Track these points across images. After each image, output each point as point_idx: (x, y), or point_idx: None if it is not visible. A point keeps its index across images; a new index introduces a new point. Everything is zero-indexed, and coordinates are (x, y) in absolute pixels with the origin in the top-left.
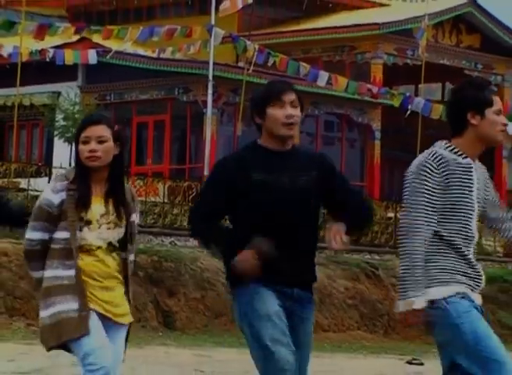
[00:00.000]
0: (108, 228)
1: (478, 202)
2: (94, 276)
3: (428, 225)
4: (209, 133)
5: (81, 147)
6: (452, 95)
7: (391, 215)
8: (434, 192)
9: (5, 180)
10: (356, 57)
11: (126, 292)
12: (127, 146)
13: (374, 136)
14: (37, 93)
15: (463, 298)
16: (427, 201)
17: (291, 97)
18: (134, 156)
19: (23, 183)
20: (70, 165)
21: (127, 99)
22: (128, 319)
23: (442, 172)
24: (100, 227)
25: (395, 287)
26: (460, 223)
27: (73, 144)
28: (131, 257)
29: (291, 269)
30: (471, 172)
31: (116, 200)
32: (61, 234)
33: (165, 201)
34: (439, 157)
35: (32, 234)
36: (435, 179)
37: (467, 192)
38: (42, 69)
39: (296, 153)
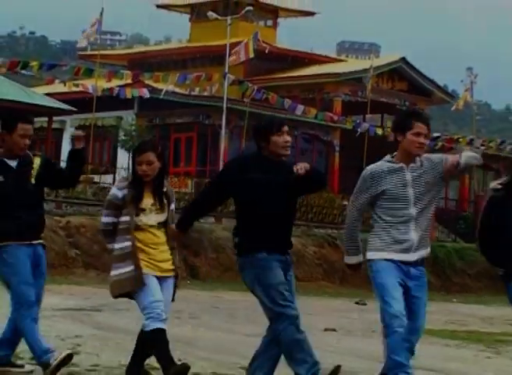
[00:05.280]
0: (156, 213)
1: (415, 191)
2: (149, 244)
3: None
4: (223, 147)
5: (137, 166)
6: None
7: (346, 202)
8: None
9: (84, 175)
10: (323, 95)
11: (172, 254)
12: (166, 155)
13: (335, 149)
14: (106, 117)
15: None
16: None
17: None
18: (171, 161)
19: (95, 178)
20: (129, 167)
21: (167, 122)
22: (172, 273)
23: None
24: (151, 212)
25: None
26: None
27: (131, 152)
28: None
29: (281, 241)
30: (403, 172)
31: (159, 195)
32: (124, 218)
33: (193, 191)
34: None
35: (105, 219)
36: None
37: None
38: (110, 101)
39: (280, 162)
